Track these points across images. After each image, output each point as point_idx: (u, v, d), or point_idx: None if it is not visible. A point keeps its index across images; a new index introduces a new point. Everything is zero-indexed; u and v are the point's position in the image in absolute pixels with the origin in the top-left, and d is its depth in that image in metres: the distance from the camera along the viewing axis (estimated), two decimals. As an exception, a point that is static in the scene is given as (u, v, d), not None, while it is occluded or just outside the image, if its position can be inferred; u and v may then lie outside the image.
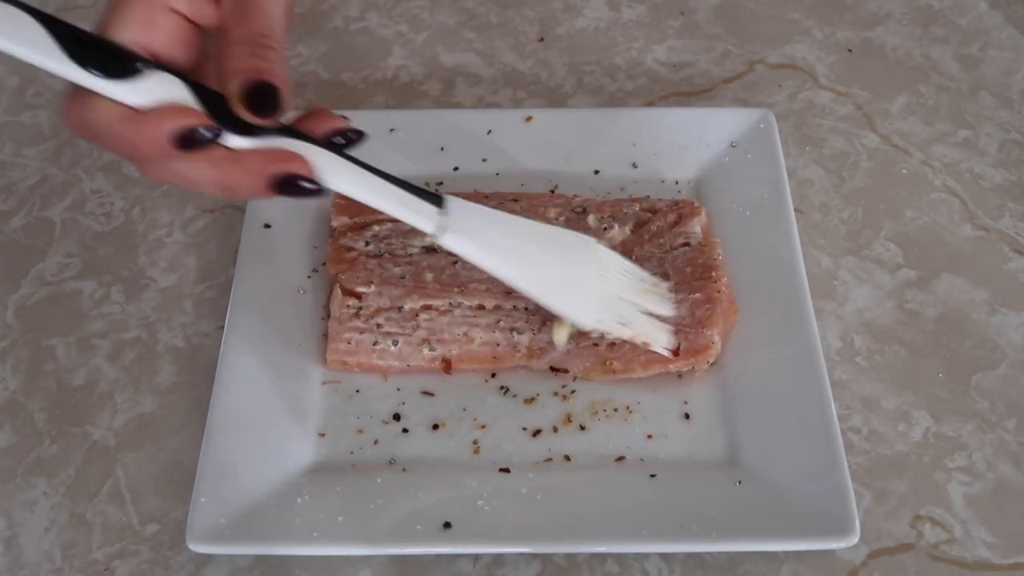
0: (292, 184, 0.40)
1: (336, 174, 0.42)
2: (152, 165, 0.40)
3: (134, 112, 0.38)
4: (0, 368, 0.57)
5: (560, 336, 0.53)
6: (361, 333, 0.54)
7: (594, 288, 0.51)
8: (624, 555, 0.50)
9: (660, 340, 0.53)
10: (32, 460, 0.54)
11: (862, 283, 0.59)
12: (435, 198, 0.46)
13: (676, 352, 0.53)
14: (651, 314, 0.53)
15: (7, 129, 0.68)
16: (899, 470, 0.52)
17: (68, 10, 0.75)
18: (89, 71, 0.38)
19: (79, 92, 0.39)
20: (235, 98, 0.39)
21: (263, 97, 0.39)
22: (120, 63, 0.38)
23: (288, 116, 0.42)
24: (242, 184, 0.40)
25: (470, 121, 0.64)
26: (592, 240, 0.53)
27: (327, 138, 0.42)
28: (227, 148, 0.40)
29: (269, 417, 0.52)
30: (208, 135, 0.39)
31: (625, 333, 0.52)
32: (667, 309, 0.54)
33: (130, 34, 0.39)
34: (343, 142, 0.42)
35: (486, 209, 0.49)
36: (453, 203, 0.47)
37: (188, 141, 0.38)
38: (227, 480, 0.49)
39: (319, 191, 0.41)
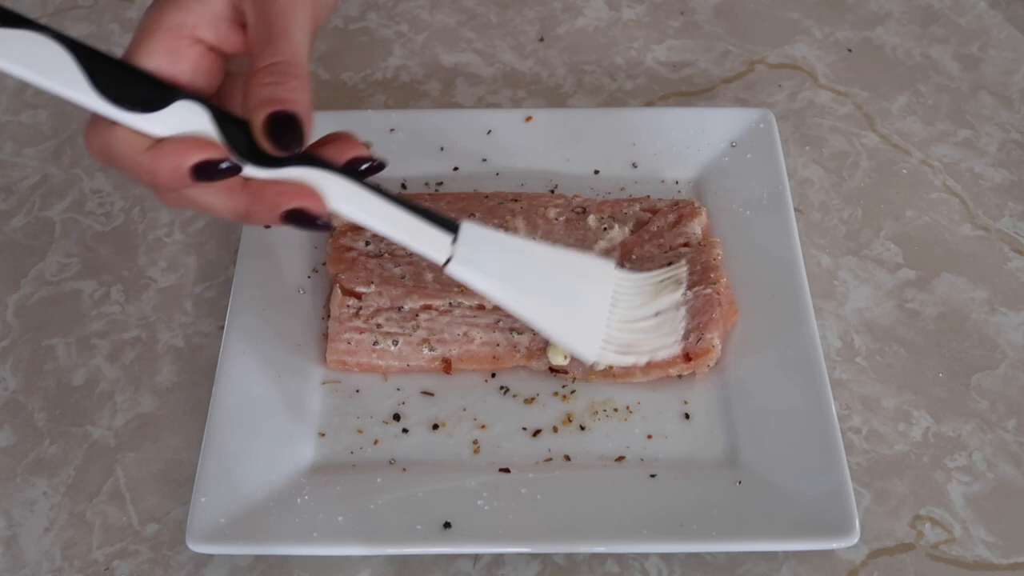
0: (302, 219, 0.41)
1: (350, 204, 0.42)
2: (170, 192, 0.41)
3: (155, 142, 0.39)
4: (0, 368, 0.57)
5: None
6: (361, 333, 0.54)
7: (601, 319, 0.51)
8: (624, 555, 0.50)
9: (662, 354, 0.53)
10: (32, 460, 0.54)
11: (862, 283, 0.59)
12: (450, 225, 0.46)
13: (686, 357, 0.53)
14: (663, 313, 0.53)
15: (7, 129, 0.68)
16: (899, 470, 0.52)
17: (68, 10, 0.75)
18: (113, 104, 0.38)
19: (101, 121, 0.39)
20: (258, 131, 0.39)
21: (285, 130, 0.39)
22: (145, 95, 0.39)
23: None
24: (255, 213, 0.41)
25: (470, 121, 0.64)
26: (607, 263, 0.52)
27: (347, 165, 0.42)
28: (244, 178, 0.40)
29: (269, 417, 0.52)
30: (226, 168, 0.39)
31: (627, 361, 0.52)
32: (679, 293, 0.54)
33: (155, 64, 0.40)
34: (362, 169, 0.43)
35: (502, 236, 0.48)
36: (468, 231, 0.46)
37: (206, 173, 0.39)
38: (227, 480, 0.49)
39: (329, 226, 0.42)
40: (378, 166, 0.43)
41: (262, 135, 0.39)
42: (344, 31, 0.74)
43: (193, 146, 0.39)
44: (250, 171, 0.40)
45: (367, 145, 0.43)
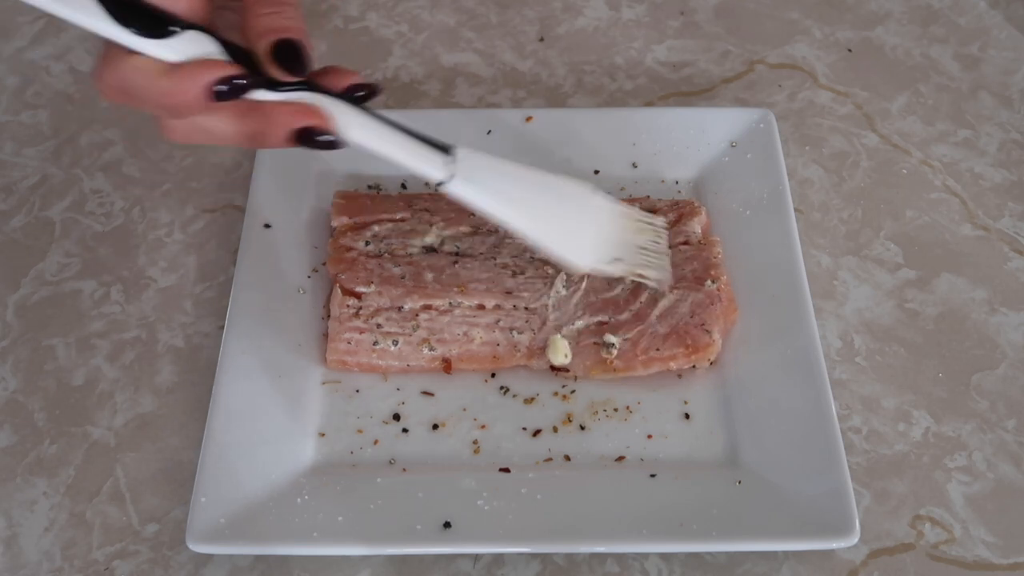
0: (311, 138, 0.43)
1: (352, 126, 0.44)
2: (179, 122, 0.42)
3: (171, 66, 0.40)
4: (0, 368, 0.57)
5: (556, 356, 0.54)
6: (361, 333, 0.54)
7: (591, 232, 0.52)
8: (624, 555, 0.50)
9: (653, 274, 0.54)
10: (32, 460, 0.54)
11: (862, 283, 0.59)
12: (445, 147, 0.48)
13: (686, 351, 0.53)
14: (646, 249, 0.54)
15: (7, 129, 0.68)
16: (899, 470, 0.52)
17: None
18: (129, 30, 0.40)
19: (114, 52, 0.40)
20: (264, 58, 0.41)
21: (291, 55, 0.41)
22: (157, 22, 0.40)
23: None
24: (266, 135, 0.43)
25: (470, 121, 0.64)
26: (589, 185, 0.54)
27: (346, 92, 0.44)
28: (254, 101, 0.42)
29: (269, 417, 0.52)
30: (242, 85, 0.41)
31: (619, 270, 0.53)
32: (662, 243, 0.55)
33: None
34: (360, 95, 0.45)
35: (493, 158, 0.50)
36: (462, 152, 0.48)
37: (223, 92, 0.40)
38: (227, 480, 0.49)
39: (337, 144, 0.44)
40: (374, 91, 0.45)
41: (269, 61, 0.41)
42: (344, 31, 0.74)
43: (211, 65, 0.40)
44: (259, 95, 0.42)
45: (358, 73, 0.45)
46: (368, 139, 0.45)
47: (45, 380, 0.56)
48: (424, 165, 0.47)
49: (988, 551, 0.50)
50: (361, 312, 0.55)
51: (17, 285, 0.60)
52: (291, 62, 0.41)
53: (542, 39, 0.73)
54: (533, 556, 0.50)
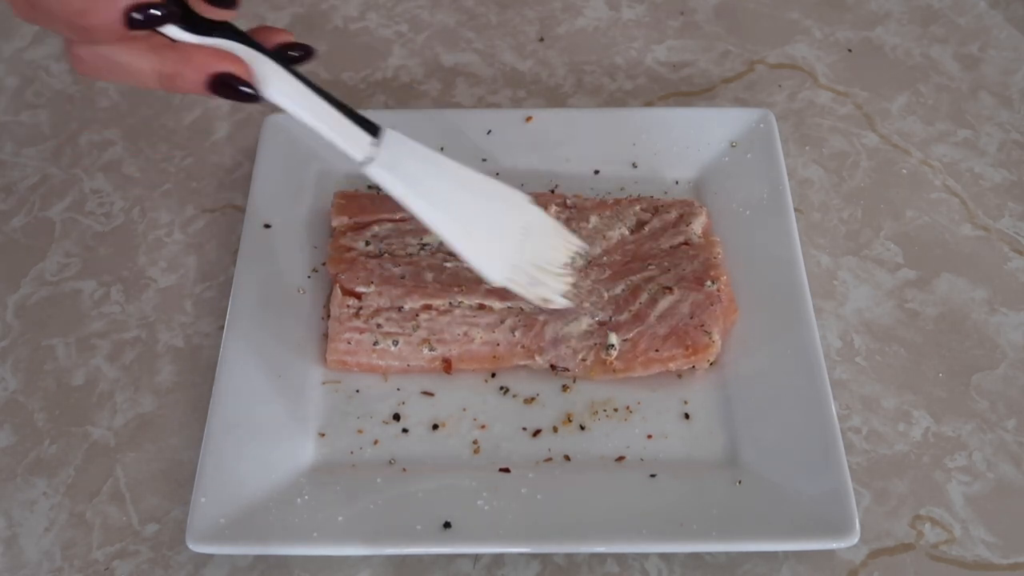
0: (230, 85, 0.41)
1: (275, 84, 0.43)
2: (91, 53, 0.41)
3: None
4: (0, 368, 0.57)
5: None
6: (361, 333, 0.54)
7: (512, 246, 0.51)
8: (624, 555, 0.50)
9: (558, 299, 0.53)
10: (32, 460, 0.54)
11: (862, 283, 0.59)
12: (373, 128, 0.46)
13: (686, 352, 0.53)
14: (561, 272, 0.54)
15: (7, 129, 0.68)
16: (899, 470, 0.52)
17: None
18: None
19: None
20: None
21: None
22: None
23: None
24: (183, 76, 0.41)
25: (470, 121, 0.64)
26: (525, 197, 0.53)
27: (276, 50, 0.43)
28: (172, 39, 0.41)
29: (269, 417, 0.52)
30: (160, 15, 0.39)
31: (529, 294, 0.52)
32: (579, 264, 0.55)
33: None
34: (292, 56, 0.43)
35: (425, 150, 0.49)
36: (391, 137, 0.47)
37: (139, 20, 0.39)
38: (227, 480, 0.49)
39: (256, 97, 0.42)
40: (306, 55, 0.43)
41: None
42: (344, 31, 0.74)
43: None
44: (180, 34, 0.41)
45: (291, 33, 0.44)
46: (289, 100, 0.43)
47: (45, 380, 0.56)
48: (344, 141, 0.45)
49: (988, 551, 0.50)
50: (361, 312, 0.55)
51: (17, 285, 0.60)
52: None
53: (542, 39, 0.73)
54: (533, 556, 0.50)
